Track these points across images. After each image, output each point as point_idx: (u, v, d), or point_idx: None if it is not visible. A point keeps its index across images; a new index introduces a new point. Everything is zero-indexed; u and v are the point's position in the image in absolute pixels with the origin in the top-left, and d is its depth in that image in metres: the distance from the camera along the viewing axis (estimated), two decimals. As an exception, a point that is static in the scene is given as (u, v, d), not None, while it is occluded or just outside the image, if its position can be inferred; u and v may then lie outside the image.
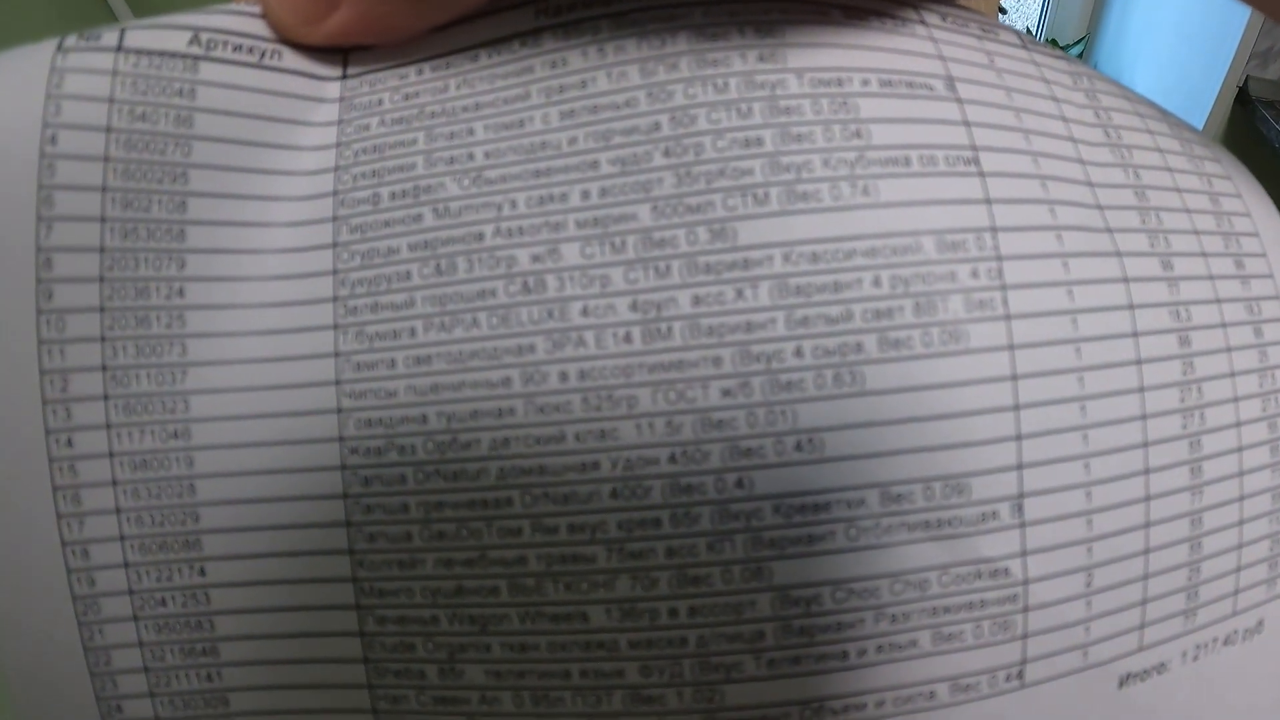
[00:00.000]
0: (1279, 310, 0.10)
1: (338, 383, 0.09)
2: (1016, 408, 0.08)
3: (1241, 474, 0.10)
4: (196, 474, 0.09)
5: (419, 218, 0.09)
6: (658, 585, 0.08)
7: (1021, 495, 0.09)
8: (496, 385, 0.09)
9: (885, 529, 0.08)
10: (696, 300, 0.08)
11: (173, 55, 0.09)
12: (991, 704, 0.09)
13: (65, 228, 0.09)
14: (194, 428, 0.09)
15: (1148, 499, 0.09)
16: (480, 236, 0.09)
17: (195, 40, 0.09)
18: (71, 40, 0.09)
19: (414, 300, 0.09)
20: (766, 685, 0.08)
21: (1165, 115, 0.10)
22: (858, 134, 0.09)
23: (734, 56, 0.09)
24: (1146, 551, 0.09)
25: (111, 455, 0.09)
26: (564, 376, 0.08)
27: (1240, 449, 0.10)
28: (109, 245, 0.09)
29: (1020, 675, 0.09)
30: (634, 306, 0.08)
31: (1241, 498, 0.10)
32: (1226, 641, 0.10)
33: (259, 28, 0.10)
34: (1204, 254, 0.10)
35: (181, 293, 0.09)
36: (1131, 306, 0.09)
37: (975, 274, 0.09)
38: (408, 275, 0.09)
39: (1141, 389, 0.09)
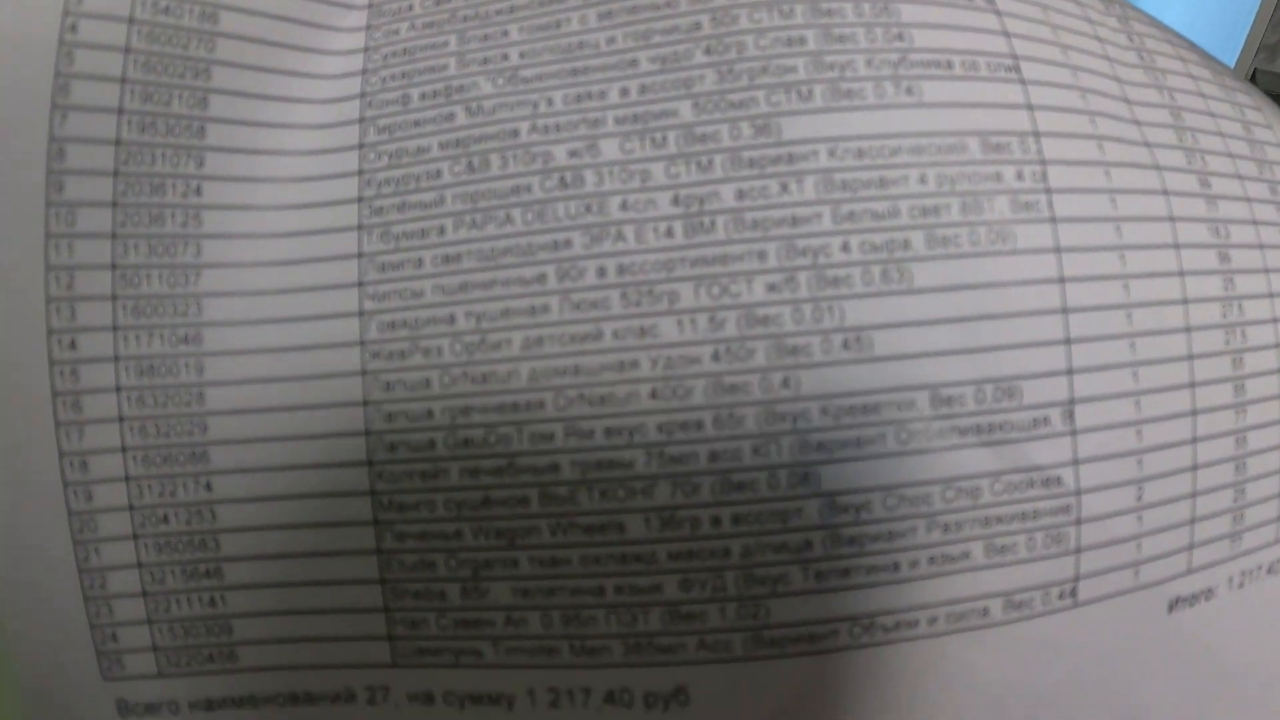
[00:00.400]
0: None
1: (360, 285, 0.08)
2: (1064, 311, 0.08)
3: None
4: (206, 381, 0.08)
5: (451, 116, 0.08)
6: (699, 491, 0.08)
7: (1072, 401, 0.08)
8: (530, 282, 0.08)
9: (936, 433, 0.08)
10: (740, 194, 0.08)
11: None
12: (1044, 623, 0.08)
13: (81, 118, 0.08)
14: (206, 332, 0.08)
15: (1194, 413, 0.08)
16: (515, 134, 0.08)
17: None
18: None
19: (444, 198, 0.08)
20: (814, 599, 0.08)
21: (1196, 47, 0.10)
22: (899, 37, 0.08)
23: None
24: (1194, 469, 0.09)
25: (117, 359, 0.08)
26: (602, 272, 0.08)
27: None
28: (125, 139, 0.08)
29: (1073, 593, 0.08)
30: (675, 201, 0.08)
31: None
32: (1271, 570, 0.09)
33: None
34: (1239, 176, 0.09)
35: (199, 191, 0.08)
36: (1172, 219, 0.08)
37: (1020, 176, 0.08)
38: (438, 174, 0.08)
39: (1185, 301, 0.08)
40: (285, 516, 0.08)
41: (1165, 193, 0.08)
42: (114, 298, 0.08)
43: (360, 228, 0.08)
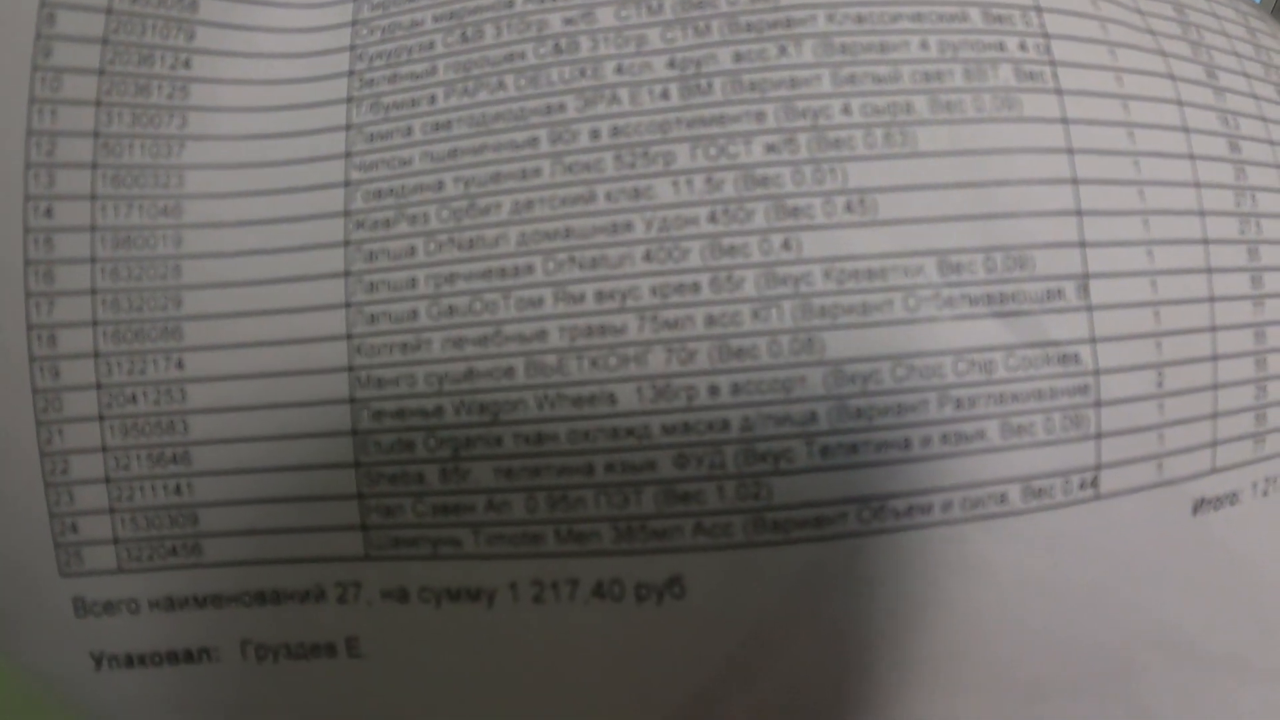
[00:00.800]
0: None
1: (347, 155, 0.07)
2: (1075, 182, 0.07)
3: None
4: (184, 254, 0.07)
5: (445, -7, 0.08)
6: (696, 358, 0.07)
7: (1087, 275, 0.07)
8: (522, 146, 0.07)
9: (945, 300, 0.07)
10: (738, 57, 0.07)
11: None
12: (1066, 514, 0.07)
13: (70, -13, 0.07)
14: (186, 204, 0.07)
15: (1212, 300, 0.08)
16: (510, 3, 0.07)
17: None
18: None
19: (436, 68, 0.07)
20: (820, 478, 0.07)
21: None
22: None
23: None
24: (1214, 358, 0.08)
25: (93, 229, 0.07)
26: (595, 134, 0.07)
27: (1295, 266, 0.08)
28: (116, 8, 0.07)
29: (1095, 483, 0.07)
30: (671, 64, 0.07)
31: None
32: (1297, 479, 0.08)
33: None
34: (1246, 75, 0.09)
35: (188, 64, 0.08)
36: (1180, 102, 0.08)
37: (1024, 47, 0.07)
38: (430, 45, 0.08)
39: (1197, 184, 0.08)
40: (258, 396, 0.07)
41: (1172, 77, 0.08)
42: (94, 166, 0.07)
43: (350, 100, 0.08)
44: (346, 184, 0.07)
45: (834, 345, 0.07)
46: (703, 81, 0.07)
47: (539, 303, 0.07)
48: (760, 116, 0.07)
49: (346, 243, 0.07)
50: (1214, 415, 0.08)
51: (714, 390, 0.07)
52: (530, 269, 0.07)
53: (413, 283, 0.07)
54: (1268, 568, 0.08)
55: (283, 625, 0.07)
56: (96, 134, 0.07)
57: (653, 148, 0.07)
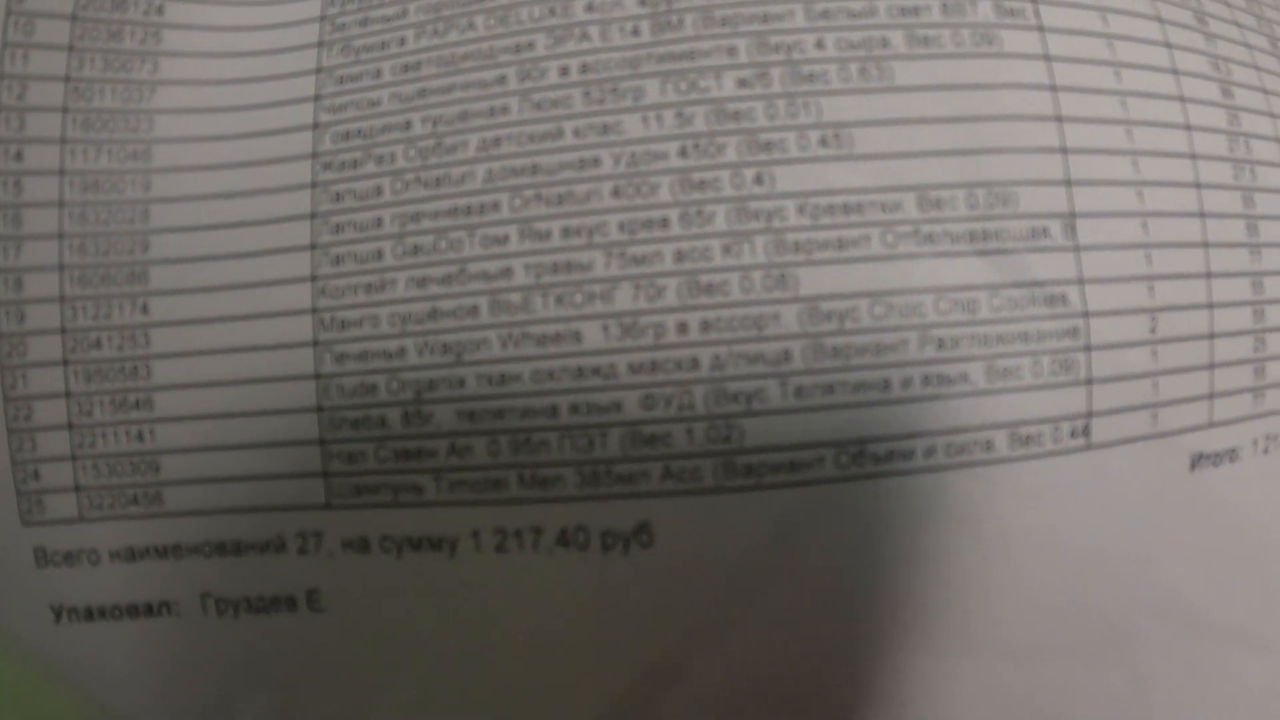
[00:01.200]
0: None
1: (316, 99, 0.07)
2: (1059, 119, 0.07)
3: None
4: (152, 198, 0.07)
5: (418, -59, 0.07)
6: (664, 295, 0.06)
7: (1073, 214, 0.07)
8: (490, 84, 0.07)
9: (926, 236, 0.06)
10: (709, -6, 0.07)
11: None
12: (1056, 464, 0.06)
13: (46, -65, 0.07)
14: (155, 149, 0.07)
15: (1206, 245, 0.07)
16: (481, -52, 0.07)
17: None
18: None
19: (406, 11, 0.07)
20: (795, 420, 0.06)
21: None
22: None
23: None
24: (1210, 306, 0.07)
25: (62, 173, 0.07)
26: (564, 71, 0.07)
27: (1292, 216, 0.08)
28: (90, -43, 0.07)
29: (1086, 431, 0.07)
30: (642, 2, 0.07)
31: None
32: (1299, 438, 0.08)
33: None
34: (1239, 25, 0.08)
35: (160, 10, 0.07)
36: (1169, 45, 0.07)
37: (1004, -17, 0.07)
38: (402, -10, 0.07)
39: (1188, 127, 0.07)
40: (222, 340, 0.07)
41: (1160, 20, 0.07)
42: (64, 110, 0.07)
43: (320, 44, 0.07)
44: (315, 126, 0.07)
45: (808, 281, 0.06)
46: (674, 18, 0.07)
47: (504, 240, 0.06)
48: (732, 51, 0.06)
49: (314, 184, 0.07)
50: (1211, 366, 0.07)
51: (683, 327, 0.06)
52: (496, 206, 0.06)
53: (378, 222, 0.07)
54: (1269, 531, 0.08)
55: (243, 577, 0.07)
56: (68, 79, 0.07)
57: (622, 83, 0.06)
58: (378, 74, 0.07)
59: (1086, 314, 0.07)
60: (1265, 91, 0.08)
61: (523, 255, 0.06)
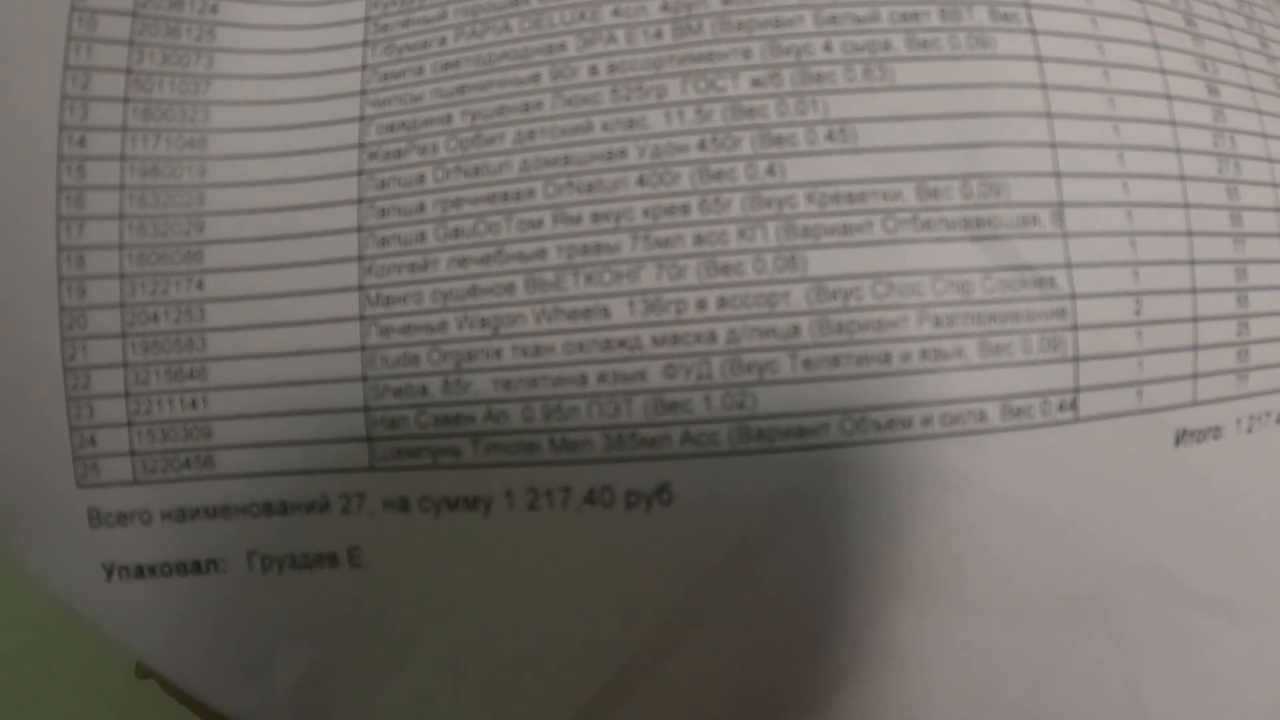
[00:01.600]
0: None
1: (362, 93, 0.09)
2: (1049, 115, 0.08)
3: None
4: (207, 183, 0.08)
5: (455, -53, 0.09)
6: (685, 274, 0.08)
7: (1061, 204, 0.08)
8: (525, 82, 0.08)
9: (924, 223, 0.08)
10: (725, 0, 0.08)
11: None
12: (1045, 434, 0.08)
13: (110, -62, 0.09)
14: (211, 138, 0.09)
15: (1190, 234, 0.09)
16: (515, -46, 0.09)
17: None
18: None
19: (446, 13, 0.09)
20: (803, 389, 0.08)
21: None
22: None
23: None
24: (1194, 291, 0.08)
25: (123, 158, 0.08)
26: (594, 70, 0.08)
27: (1279, 208, 0.09)
28: (150, -42, 0.09)
29: (1074, 405, 0.08)
30: (664, 7, 0.08)
31: None
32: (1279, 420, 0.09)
33: None
34: (1227, 25, 0.09)
35: (215, 9, 0.09)
36: (1156, 46, 0.09)
37: (999, -9, 0.08)
38: (441, -8, 0.09)
39: (1173, 123, 0.09)
40: (273, 315, 0.08)
41: (1148, 22, 0.09)
42: (126, 100, 0.08)
43: (365, 43, 0.09)
44: (361, 119, 0.08)
45: (816, 263, 0.08)
46: (694, 22, 0.08)
47: (539, 224, 0.08)
48: (747, 53, 0.08)
49: (360, 172, 0.08)
50: (1194, 348, 0.09)
51: (701, 304, 0.08)
52: (531, 193, 0.08)
53: (421, 207, 0.08)
54: (1253, 506, 0.09)
55: (288, 536, 0.08)
56: (129, 70, 0.08)
57: (646, 82, 0.08)
58: (420, 71, 0.08)
59: (1074, 296, 0.08)
60: (1252, 89, 0.09)
61: (556, 238, 0.08)
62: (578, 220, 0.08)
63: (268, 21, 0.09)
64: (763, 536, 0.08)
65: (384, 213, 0.08)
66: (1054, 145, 0.08)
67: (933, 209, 0.08)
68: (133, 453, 0.08)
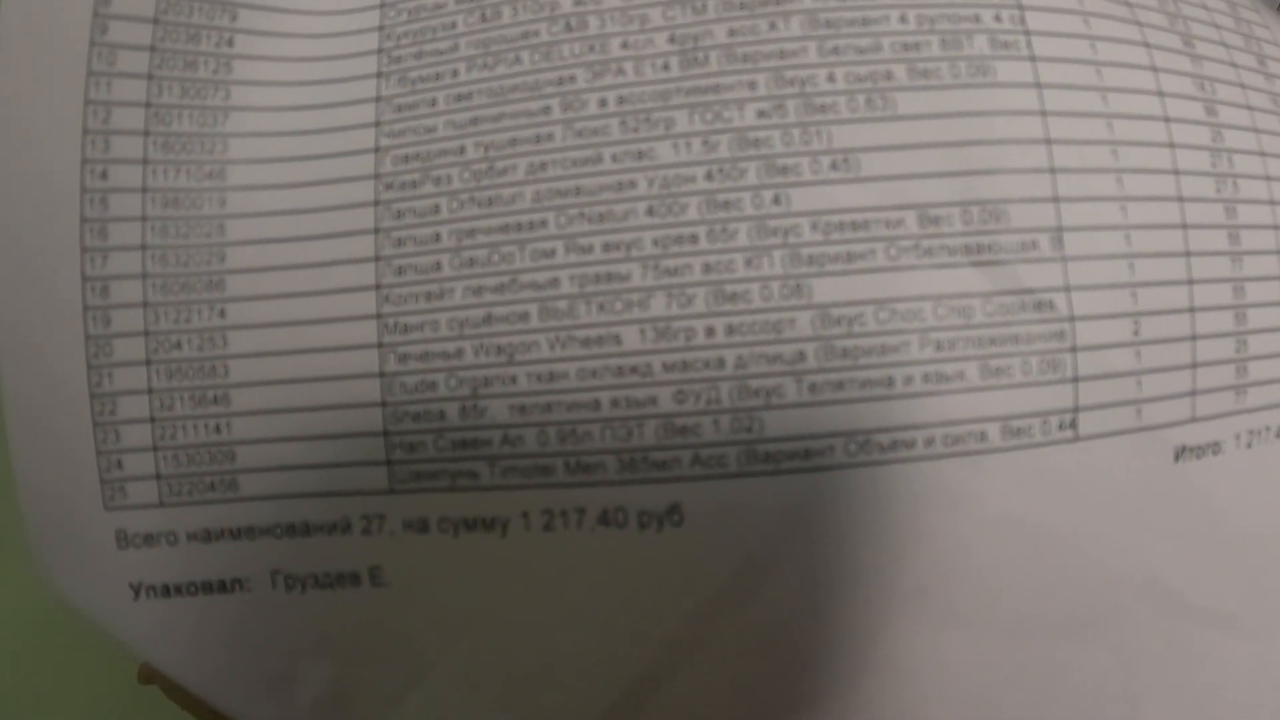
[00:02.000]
0: None
1: (377, 124, 0.09)
2: (1048, 141, 0.09)
3: None
4: (228, 214, 0.09)
5: (465, -22, 0.09)
6: (694, 302, 0.08)
7: (1060, 229, 0.09)
8: (536, 114, 0.09)
9: (925, 250, 0.08)
10: (732, 32, 0.09)
11: None
12: (1046, 454, 0.08)
13: (129, -26, 0.09)
14: (230, 169, 0.09)
15: (1188, 254, 0.09)
16: (524, -14, 0.09)
17: None
18: None
19: (458, 45, 0.09)
20: (809, 412, 0.08)
21: None
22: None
23: None
24: (1192, 310, 0.09)
25: (145, 190, 0.09)
26: (603, 102, 0.09)
27: (1277, 226, 0.10)
28: (168, -7, 0.09)
29: (1074, 425, 0.08)
30: (672, 40, 0.09)
31: None
32: (1279, 434, 0.10)
33: None
34: (1225, 45, 0.10)
35: (231, 43, 0.09)
36: (1154, 69, 0.09)
37: (999, 19, 0.09)
38: (453, 25, 0.09)
39: (1172, 145, 0.09)
40: (294, 342, 0.09)
41: (1146, 45, 0.09)
42: (146, 133, 0.09)
43: (379, 75, 0.09)
44: (376, 150, 0.09)
45: (821, 290, 0.08)
46: (700, 54, 0.09)
47: (551, 254, 0.08)
48: (752, 85, 0.08)
49: (376, 202, 0.09)
50: (1193, 365, 0.09)
51: (710, 331, 0.08)
52: (544, 223, 0.08)
53: (437, 237, 0.09)
54: (1252, 521, 0.10)
55: (310, 556, 0.09)
56: (148, 104, 0.09)
57: (655, 114, 0.08)
58: (433, 103, 0.09)
59: (1072, 318, 0.08)
60: (1249, 108, 0.10)
61: (568, 267, 0.08)
62: (589, 250, 0.08)
63: (283, 54, 0.09)
64: (770, 554, 0.08)
65: (400, 242, 0.09)
66: (1053, 171, 0.09)
67: (934, 236, 0.08)
68: (158, 476, 0.09)
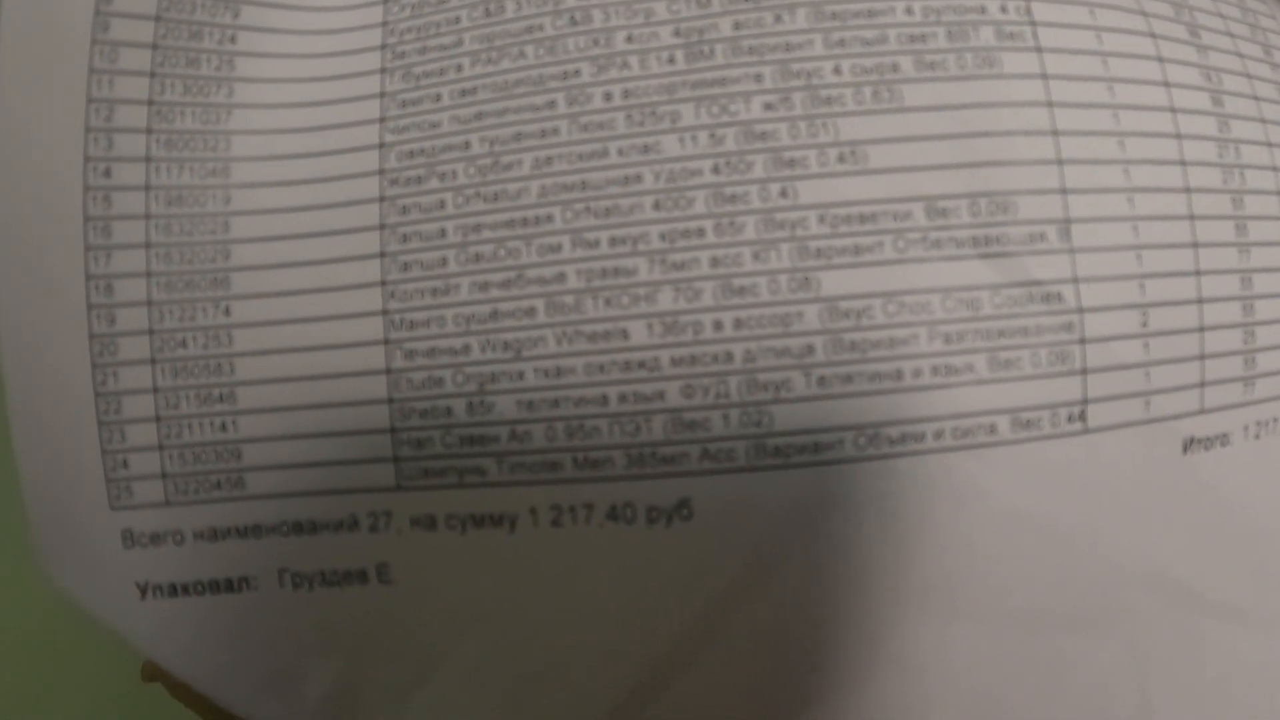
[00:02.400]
0: None
1: (381, 120, 0.09)
2: (1055, 133, 0.09)
3: None
4: (232, 211, 0.09)
5: (469, -28, 0.09)
6: (701, 296, 0.08)
7: (1068, 220, 0.09)
8: (541, 108, 0.09)
9: (933, 242, 0.08)
10: (737, 25, 0.09)
11: None
12: (1055, 446, 0.08)
13: (130, -29, 0.09)
14: (234, 166, 0.09)
15: (1195, 246, 0.09)
16: (528, -20, 0.09)
17: None
18: None
19: (461, 40, 0.09)
20: (818, 406, 0.08)
21: None
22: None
23: None
24: (1200, 301, 0.09)
25: (148, 188, 0.09)
26: (608, 96, 0.09)
27: (1282, 217, 0.10)
28: (169, -11, 0.09)
29: (1083, 416, 0.09)
30: (677, 33, 0.09)
31: None
32: (1292, 424, 0.10)
33: None
34: (1231, 35, 0.10)
35: (234, 39, 0.09)
36: (1160, 59, 0.09)
37: (1004, 9, 0.09)
38: (456, 20, 0.09)
39: (1178, 135, 0.09)
40: (299, 339, 0.09)
41: (1152, 35, 0.09)
42: (149, 131, 0.09)
43: (383, 70, 0.09)
44: (381, 146, 0.09)
45: (829, 283, 0.08)
46: (705, 47, 0.09)
47: (558, 249, 0.08)
48: (758, 78, 0.08)
49: (381, 198, 0.09)
50: (1201, 357, 0.09)
51: (718, 325, 0.08)
52: (550, 218, 0.08)
53: (442, 233, 0.09)
54: (1262, 512, 0.10)
55: (318, 554, 0.09)
56: (151, 102, 0.09)
57: (660, 107, 0.08)
58: (437, 98, 0.09)
59: (1081, 310, 0.09)
60: (1257, 98, 0.10)
61: (575, 262, 0.08)
62: (596, 244, 0.08)
63: (286, 50, 0.09)
64: (779, 550, 0.08)
65: (406, 238, 0.09)
66: (1060, 162, 0.09)
67: (942, 228, 0.08)
68: (164, 475, 0.09)
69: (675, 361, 0.08)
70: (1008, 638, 0.09)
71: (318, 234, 0.09)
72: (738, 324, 0.08)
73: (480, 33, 0.09)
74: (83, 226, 0.09)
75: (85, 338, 0.09)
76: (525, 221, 0.09)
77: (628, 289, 0.08)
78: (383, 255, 0.09)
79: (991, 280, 0.08)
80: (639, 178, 0.08)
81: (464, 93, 0.09)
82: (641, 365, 0.08)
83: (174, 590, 0.09)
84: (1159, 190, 0.09)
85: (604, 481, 0.08)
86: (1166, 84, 0.09)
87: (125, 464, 0.09)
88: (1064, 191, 0.09)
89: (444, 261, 0.09)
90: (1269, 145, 0.10)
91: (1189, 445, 0.09)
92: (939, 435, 0.08)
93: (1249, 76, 0.10)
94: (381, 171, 0.09)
